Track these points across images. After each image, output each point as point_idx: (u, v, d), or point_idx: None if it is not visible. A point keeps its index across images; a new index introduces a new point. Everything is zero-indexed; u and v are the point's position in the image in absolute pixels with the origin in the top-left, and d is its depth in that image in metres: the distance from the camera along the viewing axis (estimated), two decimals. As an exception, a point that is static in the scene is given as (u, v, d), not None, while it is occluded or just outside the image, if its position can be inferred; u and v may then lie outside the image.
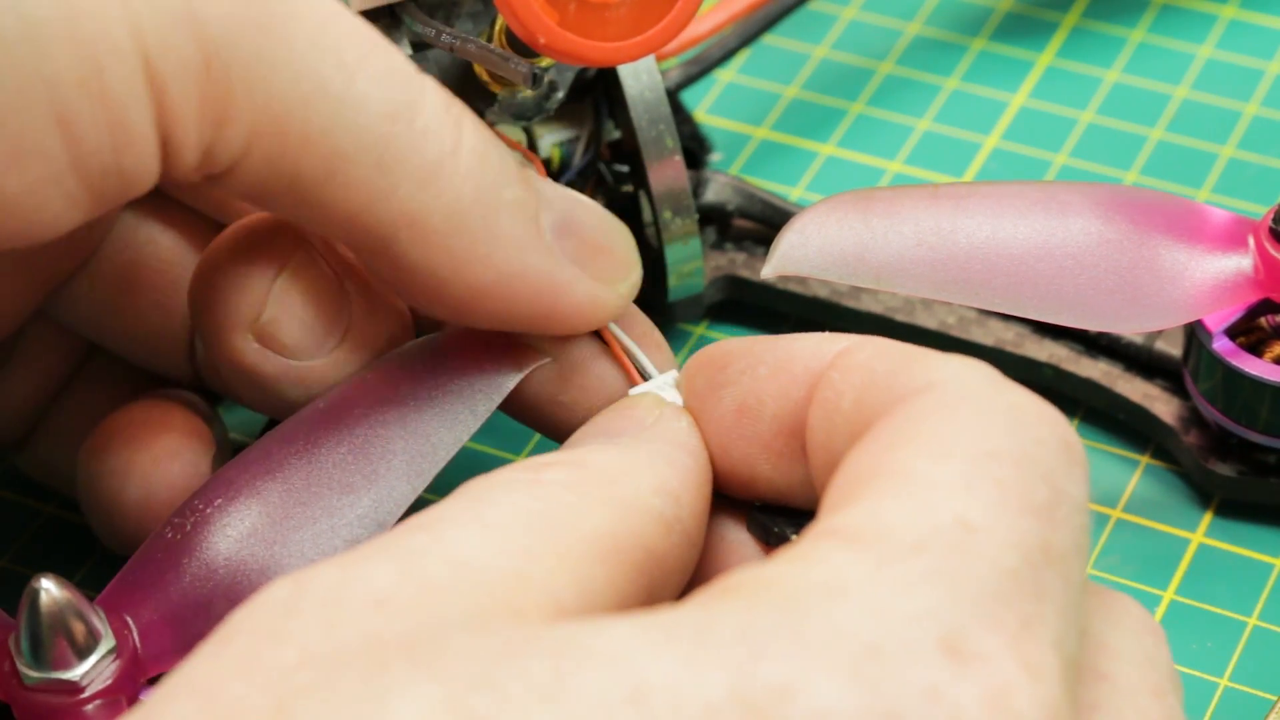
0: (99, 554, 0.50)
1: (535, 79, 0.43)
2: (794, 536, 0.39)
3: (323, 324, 0.43)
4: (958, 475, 0.33)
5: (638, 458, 0.38)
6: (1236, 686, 0.47)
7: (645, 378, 0.43)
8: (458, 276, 0.40)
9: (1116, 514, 0.51)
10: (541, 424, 0.45)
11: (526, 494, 0.35)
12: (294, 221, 0.41)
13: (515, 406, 0.44)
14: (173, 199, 0.47)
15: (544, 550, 0.34)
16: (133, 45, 0.37)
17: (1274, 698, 0.47)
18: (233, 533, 0.41)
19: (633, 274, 0.43)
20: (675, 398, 0.42)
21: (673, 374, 0.43)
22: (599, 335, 0.44)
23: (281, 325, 0.43)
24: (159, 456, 0.46)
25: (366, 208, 0.39)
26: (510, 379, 0.43)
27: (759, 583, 0.31)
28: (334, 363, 0.44)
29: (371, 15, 0.47)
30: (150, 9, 0.37)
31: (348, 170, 0.39)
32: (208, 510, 0.41)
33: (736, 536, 0.41)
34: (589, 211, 0.43)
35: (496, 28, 0.46)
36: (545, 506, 0.35)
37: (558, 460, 0.37)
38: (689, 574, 0.38)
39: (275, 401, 0.44)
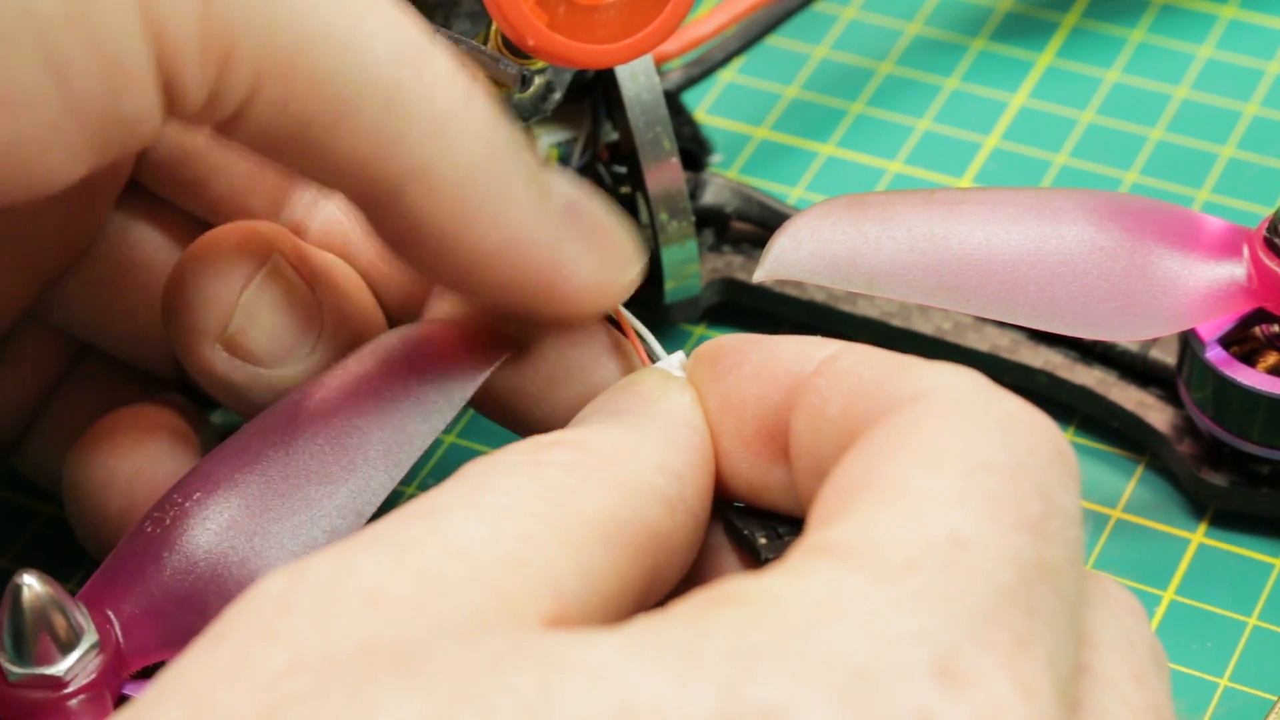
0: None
1: (524, 81, 0.43)
2: (762, 540, 0.39)
3: (293, 333, 0.43)
4: (950, 488, 0.32)
5: (640, 436, 0.38)
6: (1236, 686, 0.47)
7: (654, 360, 0.43)
8: (464, 236, 0.39)
9: (1116, 515, 0.51)
10: (504, 416, 0.44)
11: (526, 477, 0.35)
12: (302, 175, 0.40)
13: (478, 398, 0.44)
14: (163, 199, 0.47)
15: (543, 535, 0.34)
16: None
17: (1274, 698, 0.47)
18: (212, 525, 0.41)
19: (634, 267, 0.42)
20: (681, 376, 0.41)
21: (680, 355, 0.43)
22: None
23: (249, 335, 0.43)
24: (140, 466, 0.45)
25: (375, 154, 0.38)
26: (485, 368, 0.43)
27: (751, 596, 0.31)
28: (306, 371, 0.43)
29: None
30: None
31: (356, 115, 0.38)
32: (187, 504, 0.41)
33: (714, 538, 0.40)
34: (594, 201, 0.42)
35: (492, 28, 0.45)
36: (544, 490, 0.35)
37: (558, 440, 0.37)
38: (695, 553, 0.38)
39: (252, 409, 0.44)
